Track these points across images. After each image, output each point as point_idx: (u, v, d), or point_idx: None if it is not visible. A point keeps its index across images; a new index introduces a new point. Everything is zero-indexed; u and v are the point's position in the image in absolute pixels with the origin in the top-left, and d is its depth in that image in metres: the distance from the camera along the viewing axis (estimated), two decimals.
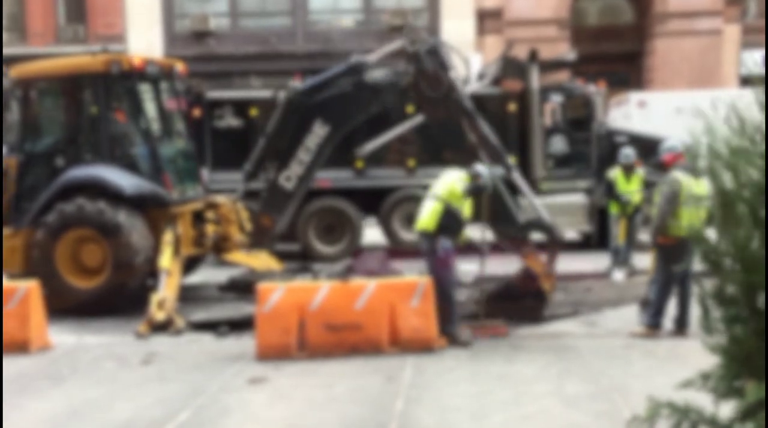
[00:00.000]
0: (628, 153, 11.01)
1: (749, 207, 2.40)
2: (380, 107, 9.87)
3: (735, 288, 2.40)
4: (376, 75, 9.56)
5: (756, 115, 2.57)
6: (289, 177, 9.75)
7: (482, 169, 7.90)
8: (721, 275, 2.49)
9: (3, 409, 5.81)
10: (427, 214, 7.49)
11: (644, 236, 11.36)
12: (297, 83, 10.49)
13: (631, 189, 10.95)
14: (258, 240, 10.23)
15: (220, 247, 10.52)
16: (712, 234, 2.65)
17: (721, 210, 2.47)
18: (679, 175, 7.28)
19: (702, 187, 6.94)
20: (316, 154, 9.67)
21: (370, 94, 9.55)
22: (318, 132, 9.54)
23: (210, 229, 10.47)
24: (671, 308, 7.58)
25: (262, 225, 10.06)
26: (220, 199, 10.67)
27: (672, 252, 7.22)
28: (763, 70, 2.78)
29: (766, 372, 2.32)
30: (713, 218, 2.60)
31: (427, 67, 9.08)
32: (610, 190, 11.06)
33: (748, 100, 2.67)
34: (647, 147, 12.85)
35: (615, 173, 11.04)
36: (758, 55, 20.79)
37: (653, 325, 7.54)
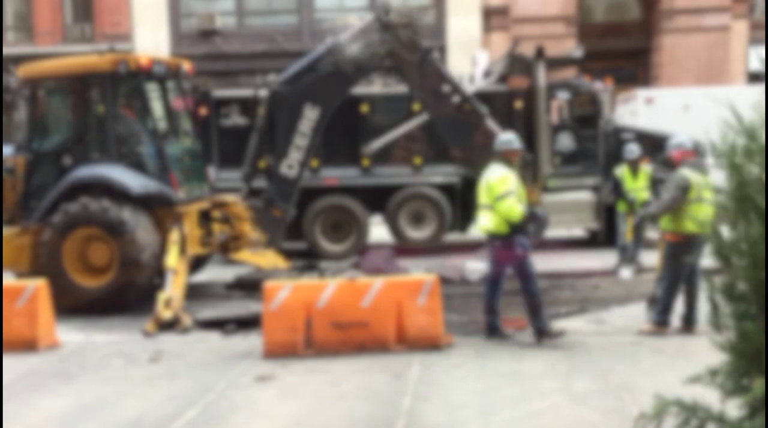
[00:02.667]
0: (632, 148, 10.99)
1: (756, 205, 2.39)
2: (363, 77, 10.15)
3: (745, 285, 2.39)
4: (354, 49, 9.79)
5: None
6: (291, 165, 10.00)
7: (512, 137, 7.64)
8: (731, 271, 2.48)
9: (13, 407, 5.85)
10: (494, 219, 7.36)
11: (652, 233, 11.32)
12: (274, 77, 10.62)
13: (638, 186, 10.92)
14: (272, 236, 10.39)
15: (232, 246, 10.54)
16: (723, 230, 2.64)
17: (736, 205, 2.45)
18: (687, 173, 7.26)
19: (710, 184, 6.92)
20: (311, 137, 9.93)
21: (352, 68, 9.85)
22: (309, 115, 9.84)
23: (216, 228, 10.49)
24: (679, 305, 7.56)
25: (275, 217, 10.25)
26: (231, 197, 10.70)
27: (680, 249, 7.20)
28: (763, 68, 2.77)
29: None
30: (724, 214, 2.59)
31: (402, 33, 9.73)
32: (617, 188, 11.03)
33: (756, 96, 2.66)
34: (654, 144, 12.80)
35: (622, 171, 11.01)
36: (762, 51, 20.70)
37: (661, 322, 7.52)
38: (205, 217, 10.37)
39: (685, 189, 7.19)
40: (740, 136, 2.57)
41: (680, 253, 7.16)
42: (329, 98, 10.02)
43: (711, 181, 6.85)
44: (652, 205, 7.62)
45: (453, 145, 10.74)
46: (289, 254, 11.23)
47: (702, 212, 7.10)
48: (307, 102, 9.92)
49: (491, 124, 10.60)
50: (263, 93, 10.57)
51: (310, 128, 9.95)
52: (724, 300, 2.50)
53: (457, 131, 10.38)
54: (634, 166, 10.90)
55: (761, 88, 3.11)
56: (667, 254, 7.52)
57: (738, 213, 2.43)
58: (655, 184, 11.02)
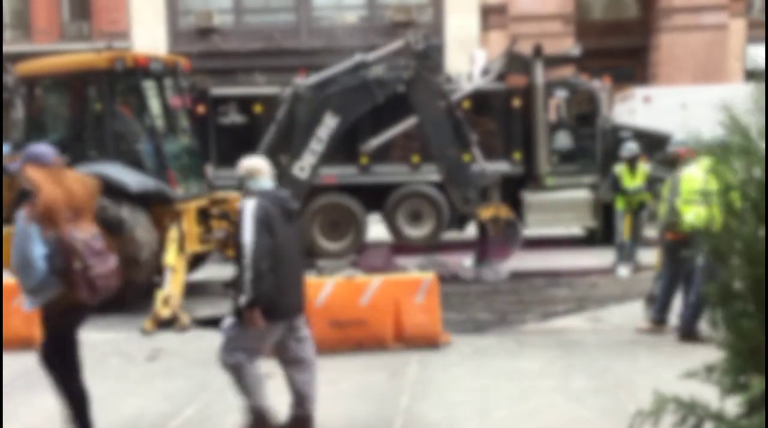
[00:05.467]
0: (630, 146, 11.00)
1: (751, 203, 2.40)
2: (385, 99, 10.67)
3: (741, 283, 2.39)
4: (379, 69, 10.46)
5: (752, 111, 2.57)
6: (303, 167, 10.58)
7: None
8: (726, 270, 2.49)
9: (11, 406, 5.84)
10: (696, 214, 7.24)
11: (650, 232, 11.33)
12: (300, 80, 10.92)
13: (636, 184, 10.93)
14: None
15: (231, 243, 10.54)
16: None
17: (725, 206, 2.47)
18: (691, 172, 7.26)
19: (712, 183, 6.89)
20: (327, 143, 10.55)
21: (376, 87, 10.51)
22: (329, 123, 10.43)
23: (215, 225, 10.49)
24: (677, 303, 7.56)
25: None
26: (232, 194, 10.71)
27: (680, 247, 7.20)
28: (763, 66, 2.79)
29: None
30: (720, 214, 2.60)
31: (432, 63, 10.55)
32: (616, 185, 11.03)
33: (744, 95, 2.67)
34: (652, 142, 12.81)
35: (620, 168, 11.02)
36: (760, 50, 20.74)
37: (659, 320, 7.53)
38: (203, 215, 10.37)
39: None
40: (734, 133, 2.58)
41: (680, 251, 7.17)
42: (350, 110, 10.56)
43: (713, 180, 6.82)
44: (667, 215, 7.51)
45: (435, 146, 11.00)
46: None
47: (704, 211, 7.07)
48: (328, 110, 10.52)
49: (476, 151, 11.19)
50: (287, 92, 10.98)
51: (327, 135, 10.56)
52: (719, 299, 2.51)
53: (444, 137, 10.86)
54: (632, 164, 10.91)
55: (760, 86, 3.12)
56: (667, 252, 7.53)
57: (727, 211, 2.45)
58: (652, 182, 11.04)
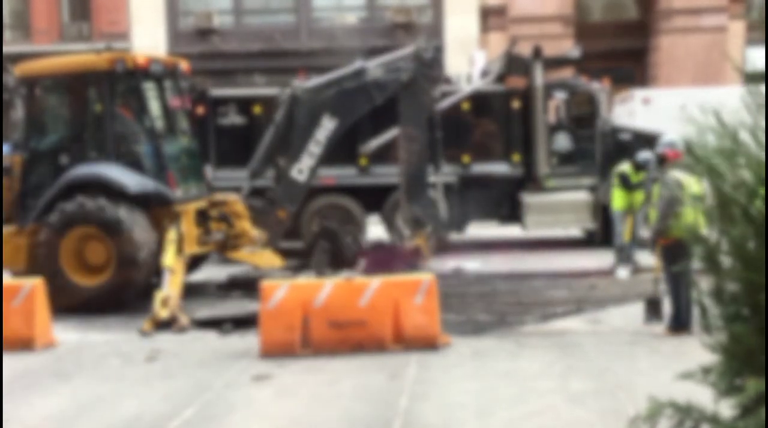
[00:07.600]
0: (645, 155, 10.89)
1: (741, 207, 2.40)
2: (384, 100, 10.65)
3: (735, 287, 2.40)
4: (377, 72, 10.49)
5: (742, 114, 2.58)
6: (301, 169, 10.59)
7: None
8: (719, 274, 2.49)
9: (10, 406, 5.84)
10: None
11: (645, 233, 11.34)
12: (298, 82, 10.95)
13: (639, 179, 10.95)
14: (272, 235, 10.61)
15: (230, 244, 10.56)
16: (710, 233, 2.65)
17: (719, 209, 2.47)
18: (678, 175, 7.25)
19: (700, 186, 6.90)
20: (325, 146, 10.47)
21: (374, 89, 10.46)
22: (327, 125, 10.45)
23: (214, 227, 10.50)
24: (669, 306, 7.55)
25: (279, 219, 10.59)
26: (231, 196, 10.72)
27: (671, 251, 7.19)
28: (763, 67, 2.80)
29: (767, 369, 2.33)
30: (711, 217, 2.61)
31: (434, 73, 10.66)
32: (626, 181, 10.99)
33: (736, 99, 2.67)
34: (651, 144, 12.80)
35: (626, 167, 11.02)
36: (759, 52, 20.76)
37: (675, 327, 7.46)
38: (202, 216, 10.37)
39: (676, 192, 7.17)
40: (722, 138, 2.58)
41: (671, 256, 7.16)
42: (348, 113, 10.54)
43: (702, 183, 6.82)
44: (657, 221, 7.51)
45: (403, 154, 10.86)
46: (286, 253, 11.23)
47: (693, 215, 7.07)
48: (326, 112, 10.51)
49: (439, 182, 11.37)
50: (285, 94, 11.00)
51: (325, 137, 10.57)
52: (712, 303, 2.52)
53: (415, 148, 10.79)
54: (638, 168, 10.91)
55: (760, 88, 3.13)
56: (663, 257, 7.52)
57: (722, 215, 2.45)
58: (648, 183, 11.03)
